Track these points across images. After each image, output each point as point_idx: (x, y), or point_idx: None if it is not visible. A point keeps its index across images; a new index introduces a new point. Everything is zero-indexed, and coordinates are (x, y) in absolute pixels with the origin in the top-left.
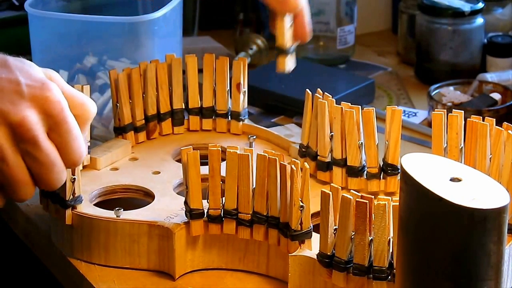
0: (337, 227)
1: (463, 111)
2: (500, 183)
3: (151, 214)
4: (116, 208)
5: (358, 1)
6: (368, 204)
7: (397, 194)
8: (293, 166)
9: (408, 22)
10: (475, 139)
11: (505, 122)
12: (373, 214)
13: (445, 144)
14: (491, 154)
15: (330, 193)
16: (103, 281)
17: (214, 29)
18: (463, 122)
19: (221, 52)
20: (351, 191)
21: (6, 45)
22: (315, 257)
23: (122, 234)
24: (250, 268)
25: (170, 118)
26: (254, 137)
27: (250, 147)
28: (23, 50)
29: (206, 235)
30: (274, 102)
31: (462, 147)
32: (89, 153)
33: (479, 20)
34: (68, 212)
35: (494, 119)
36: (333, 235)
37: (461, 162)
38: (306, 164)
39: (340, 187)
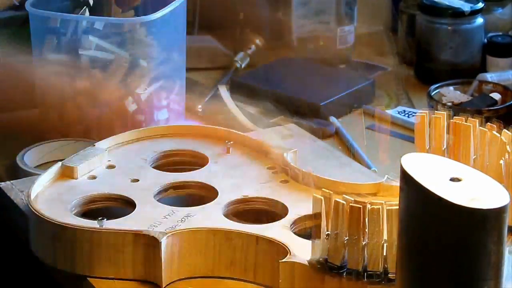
0: (329, 232)
1: (446, 112)
2: None
3: (134, 223)
4: (99, 218)
5: (358, 1)
6: (362, 208)
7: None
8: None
9: (408, 22)
10: (459, 139)
11: (488, 123)
12: (366, 219)
13: (428, 146)
14: (475, 155)
15: (322, 198)
16: (103, 279)
17: (214, 29)
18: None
19: (220, 51)
20: (344, 195)
21: (6, 45)
22: (306, 263)
23: (106, 244)
24: (237, 276)
25: None
26: (231, 142)
27: (227, 152)
28: (23, 50)
29: (191, 243)
30: (274, 102)
31: (445, 148)
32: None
33: (479, 20)
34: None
35: (478, 120)
36: (325, 240)
37: None
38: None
39: (331, 192)
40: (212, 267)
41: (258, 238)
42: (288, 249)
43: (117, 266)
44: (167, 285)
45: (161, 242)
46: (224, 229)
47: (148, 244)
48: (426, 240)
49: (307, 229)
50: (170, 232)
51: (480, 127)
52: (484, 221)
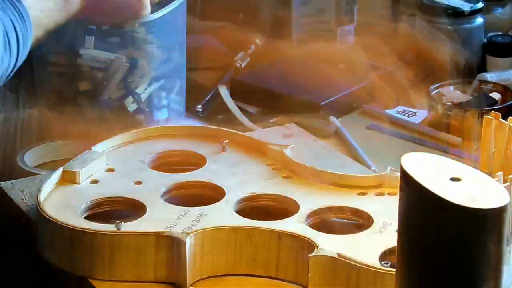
0: None
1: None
2: (491, 171)
3: (149, 224)
4: (116, 221)
5: (358, 1)
6: None
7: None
8: None
9: (408, 22)
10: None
11: (493, 111)
12: None
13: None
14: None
15: None
16: (104, 281)
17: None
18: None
19: (221, 51)
20: None
21: None
22: (336, 256)
23: (127, 247)
24: (258, 272)
25: None
26: (227, 140)
27: (223, 151)
28: None
29: (213, 242)
30: (274, 101)
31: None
32: None
33: (479, 20)
34: None
35: (480, 109)
36: None
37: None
38: None
39: None
40: (233, 265)
41: (280, 234)
42: (315, 243)
43: (139, 269)
44: (190, 285)
45: (186, 242)
46: (246, 226)
47: (170, 245)
48: (426, 240)
49: (323, 222)
50: (193, 231)
51: (486, 115)
52: (484, 221)
